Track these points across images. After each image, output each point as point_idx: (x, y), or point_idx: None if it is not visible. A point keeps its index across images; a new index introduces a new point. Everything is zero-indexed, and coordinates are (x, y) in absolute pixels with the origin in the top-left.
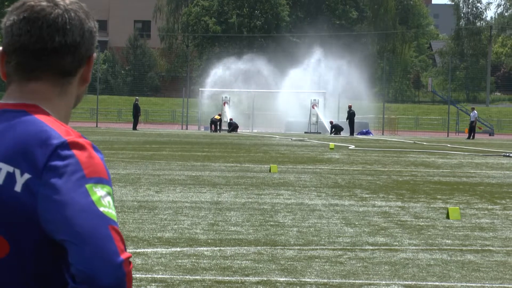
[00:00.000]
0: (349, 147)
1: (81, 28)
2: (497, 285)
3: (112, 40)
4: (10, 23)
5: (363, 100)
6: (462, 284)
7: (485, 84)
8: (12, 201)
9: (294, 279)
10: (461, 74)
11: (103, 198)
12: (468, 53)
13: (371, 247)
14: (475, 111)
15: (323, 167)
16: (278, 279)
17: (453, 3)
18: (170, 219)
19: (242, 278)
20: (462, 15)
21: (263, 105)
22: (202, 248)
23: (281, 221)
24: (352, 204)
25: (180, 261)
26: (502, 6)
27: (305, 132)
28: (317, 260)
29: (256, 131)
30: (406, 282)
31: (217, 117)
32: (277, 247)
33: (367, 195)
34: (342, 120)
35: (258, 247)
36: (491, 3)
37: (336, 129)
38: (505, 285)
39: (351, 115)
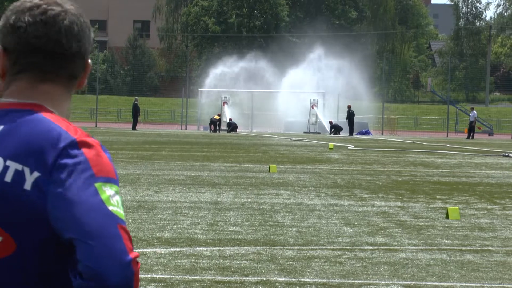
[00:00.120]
0: (349, 147)
1: (89, 35)
2: (496, 285)
3: (111, 40)
4: (23, 24)
5: (363, 100)
6: (462, 284)
7: (485, 84)
8: (20, 199)
9: (293, 279)
10: (461, 74)
11: (112, 197)
12: (468, 53)
13: (370, 247)
14: (475, 111)
15: (322, 167)
16: (278, 279)
17: (452, 3)
18: (169, 219)
19: (241, 278)
20: (462, 15)
21: (262, 105)
22: (201, 248)
23: (281, 221)
24: (352, 204)
25: (179, 261)
26: (501, 6)
27: (305, 132)
28: (316, 260)
29: (255, 131)
30: (406, 282)
31: (216, 117)
32: (276, 247)
33: (366, 195)
34: (342, 120)
35: (258, 247)
36: (491, 3)
37: (335, 129)
38: (505, 285)
39: (350, 115)
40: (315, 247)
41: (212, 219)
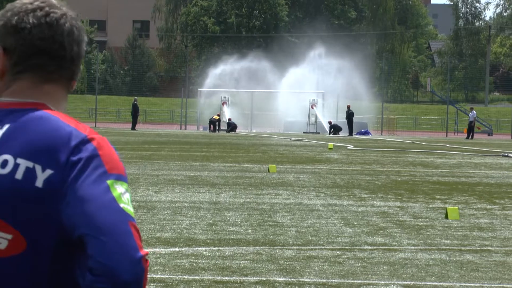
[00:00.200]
0: (348, 147)
1: (85, 39)
2: (495, 285)
3: (110, 40)
4: (27, 26)
5: (362, 100)
6: (461, 284)
7: (484, 84)
8: (32, 197)
9: (292, 279)
10: (460, 74)
11: (122, 195)
12: (467, 53)
13: (369, 247)
14: (474, 111)
15: (322, 167)
16: (277, 279)
17: (452, 3)
18: (168, 219)
19: (240, 278)
20: (461, 15)
21: (262, 105)
22: (200, 248)
23: (280, 221)
24: (351, 204)
25: (178, 261)
26: (501, 6)
27: (304, 132)
28: (315, 260)
29: (255, 131)
30: (405, 282)
31: (216, 117)
32: (275, 247)
33: (365, 195)
34: (341, 120)
35: (257, 247)
36: (490, 3)
37: (335, 129)
38: (504, 285)
39: (350, 115)
40: (314, 247)
41: (212, 219)
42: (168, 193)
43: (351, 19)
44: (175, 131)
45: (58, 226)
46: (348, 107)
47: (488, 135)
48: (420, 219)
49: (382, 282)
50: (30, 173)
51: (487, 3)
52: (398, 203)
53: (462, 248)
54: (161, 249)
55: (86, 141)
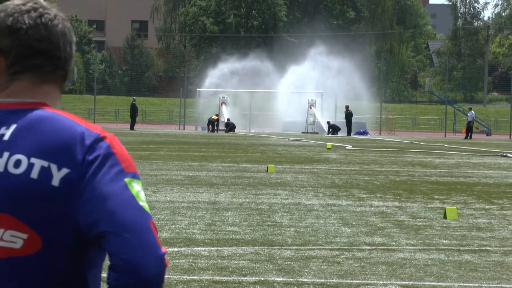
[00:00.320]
0: (347, 147)
1: (74, 40)
2: (494, 285)
3: (109, 40)
4: (23, 26)
5: (361, 100)
6: (460, 284)
7: (483, 84)
8: (48, 196)
9: (291, 279)
10: (459, 74)
11: (140, 193)
12: (466, 53)
13: (368, 247)
14: (473, 111)
15: (320, 167)
16: (276, 279)
17: (450, 3)
18: (167, 219)
19: (239, 278)
20: (460, 15)
21: (260, 105)
22: (199, 248)
23: (279, 221)
24: (350, 204)
25: (177, 261)
26: (499, 6)
27: (303, 132)
28: (314, 260)
29: (253, 131)
30: (404, 282)
31: (214, 117)
32: (274, 247)
33: (364, 195)
34: (340, 120)
35: (256, 247)
36: (489, 3)
37: (333, 129)
38: (502, 285)
39: (348, 115)
40: (313, 247)
41: (210, 219)
42: (167, 193)
43: (350, 19)
44: (173, 131)
45: (74, 225)
46: (347, 107)
47: (487, 135)
48: (418, 219)
49: (381, 282)
50: (45, 172)
51: (486, 3)
52: (396, 203)
53: (461, 248)
54: None
55: (99, 139)
